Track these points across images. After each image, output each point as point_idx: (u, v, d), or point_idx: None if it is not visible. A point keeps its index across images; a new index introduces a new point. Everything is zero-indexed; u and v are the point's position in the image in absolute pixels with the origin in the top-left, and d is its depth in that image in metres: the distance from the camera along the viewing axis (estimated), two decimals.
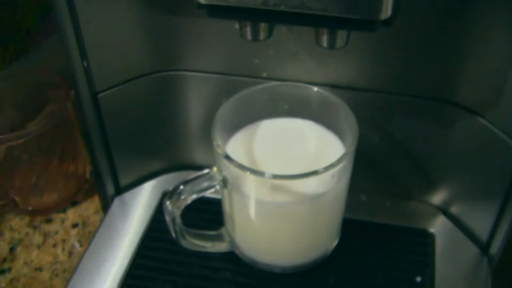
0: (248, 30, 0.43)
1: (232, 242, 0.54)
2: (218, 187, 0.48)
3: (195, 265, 0.54)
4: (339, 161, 0.46)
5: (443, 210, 0.58)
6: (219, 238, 0.54)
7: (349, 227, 0.57)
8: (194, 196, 0.47)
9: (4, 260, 0.62)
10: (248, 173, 0.45)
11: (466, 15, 0.46)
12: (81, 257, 0.55)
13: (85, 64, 0.52)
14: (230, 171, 0.47)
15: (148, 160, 0.61)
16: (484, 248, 0.55)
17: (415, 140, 0.55)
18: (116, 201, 0.61)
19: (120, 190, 0.61)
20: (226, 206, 0.52)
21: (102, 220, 0.59)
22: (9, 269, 0.61)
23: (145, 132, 0.59)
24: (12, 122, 0.69)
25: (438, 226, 0.57)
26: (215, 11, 0.41)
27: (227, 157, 0.46)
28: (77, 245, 0.63)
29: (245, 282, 0.53)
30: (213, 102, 0.56)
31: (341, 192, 0.51)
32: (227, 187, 0.48)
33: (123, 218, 0.59)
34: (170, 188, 0.55)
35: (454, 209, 0.58)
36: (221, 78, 0.55)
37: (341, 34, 0.42)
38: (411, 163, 0.57)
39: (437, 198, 0.58)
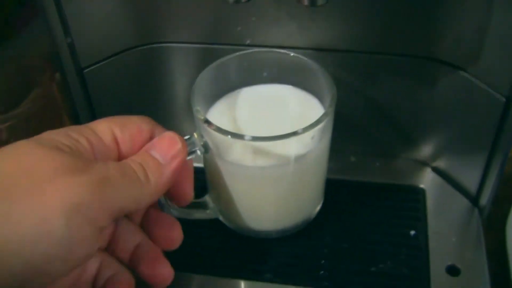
0: None
1: (217, 209, 0.54)
2: (199, 152, 0.48)
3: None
4: (317, 121, 0.45)
5: (432, 166, 0.59)
6: (203, 205, 0.54)
7: (341, 188, 0.58)
8: None
9: None
10: (229, 136, 0.45)
11: None
12: None
13: (69, 40, 0.52)
14: (211, 136, 0.47)
15: None
16: (474, 200, 0.56)
17: (400, 98, 0.56)
18: None
19: None
20: (209, 173, 0.52)
21: None
22: None
23: (132, 106, 0.59)
24: None
25: (428, 182, 0.58)
26: None
27: (207, 121, 0.46)
28: None
29: (239, 246, 0.54)
30: (199, 72, 0.56)
31: (323, 153, 0.51)
32: (208, 153, 0.49)
33: None
34: None
35: (443, 164, 0.58)
36: (205, 48, 0.55)
37: None
38: (398, 121, 0.58)
39: (426, 154, 0.59)
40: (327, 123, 0.48)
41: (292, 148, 0.47)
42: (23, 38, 0.81)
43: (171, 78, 0.58)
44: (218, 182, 0.51)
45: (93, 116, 0.57)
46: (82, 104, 0.56)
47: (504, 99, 0.49)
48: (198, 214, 0.54)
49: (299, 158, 0.47)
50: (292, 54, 0.52)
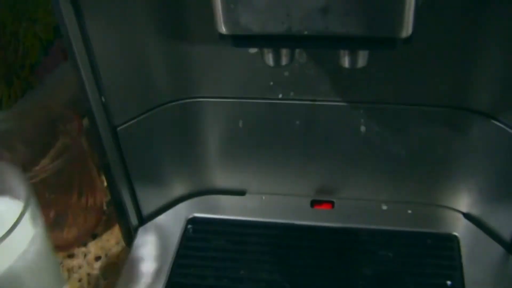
0: (270, 57, 0.44)
1: None
2: None
3: None
4: None
5: (465, 213, 0.59)
6: None
7: (374, 238, 0.58)
8: None
9: None
10: None
11: (476, 22, 0.47)
12: None
13: (103, 99, 0.52)
14: None
15: (169, 187, 0.62)
16: (508, 247, 0.56)
17: (432, 147, 0.56)
18: (140, 232, 0.61)
19: (143, 220, 0.62)
20: None
21: (128, 252, 0.59)
22: None
23: (165, 160, 0.60)
24: (23, 159, 0.69)
25: (462, 229, 0.58)
26: (238, 41, 0.41)
27: None
28: (101, 278, 0.63)
29: None
30: (231, 126, 0.57)
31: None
32: None
33: (149, 248, 0.59)
34: (194, 213, 0.58)
35: (476, 211, 0.58)
36: (237, 102, 0.56)
37: (363, 54, 0.43)
38: (430, 169, 0.58)
39: (459, 201, 0.59)
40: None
41: None
42: (46, 87, 0.82)
43: (203, 132, 0.59)
44: None
45: (126, 170, 0.57)
46: (116, 160, 0.56)
47: None
48: None
49: None
50: None
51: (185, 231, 0.60)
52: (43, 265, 0.48)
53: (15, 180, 0.47)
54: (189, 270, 0.57)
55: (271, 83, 0.54)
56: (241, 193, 0.63)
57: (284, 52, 0.44)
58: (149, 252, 0.59)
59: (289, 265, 0.56)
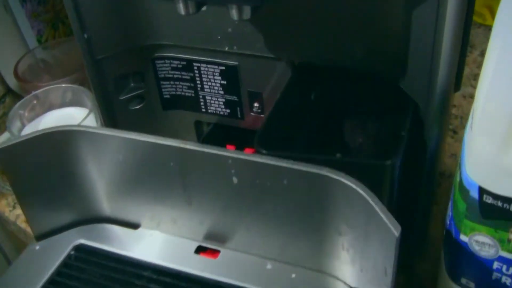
0: (181, 6, 0.53)
1: None
2: None
3: None
4: None
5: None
6: None
7: None
8: None
9: None
10: None
11: None
12: None
13: None
14: None
15: (59, 213, 0.62)
16: None
17: (309, 212, 0.52)
18: (27, 249, 0.61)
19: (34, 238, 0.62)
20: None
21: (10, 264, 0.59)
22: None
23: (55, 184, 0.60)
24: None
25: None
26: None
27: None
28: None
29: None
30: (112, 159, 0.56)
31: None
32: None
33: (27, 268, 0.58)
34: (81, 240, 0.60)
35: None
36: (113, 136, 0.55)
37: (246, 9, 0.51)
38: (318, 236, 0.53)
39: (345, 274, 0.54)
40: None
41: None
42: None
43: (87, 165, 0.59)
44: None
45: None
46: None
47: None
48: None
49: None
50: None
51: (67, 257, 0.59)
52: None
53: (85, 96, 0.74)
54: None
55: None
56: (135, 226, 0.61)
57: (191, 3, 0.53)
58: (25, 271, 0.58)
59: None
